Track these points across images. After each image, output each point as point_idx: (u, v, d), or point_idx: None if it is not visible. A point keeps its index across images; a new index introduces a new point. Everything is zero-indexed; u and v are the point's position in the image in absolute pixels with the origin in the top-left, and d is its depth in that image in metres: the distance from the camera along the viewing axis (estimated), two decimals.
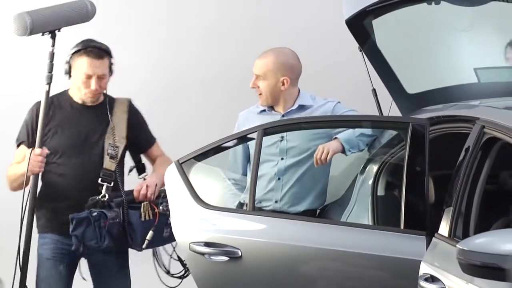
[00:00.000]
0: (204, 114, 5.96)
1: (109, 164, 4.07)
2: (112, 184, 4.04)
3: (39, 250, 4.13)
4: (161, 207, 4.04)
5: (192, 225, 3.58)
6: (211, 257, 3.49)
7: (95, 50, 4.01)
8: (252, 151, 3.84)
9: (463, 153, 3.16)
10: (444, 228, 3.06)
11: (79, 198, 3.98)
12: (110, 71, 4.10)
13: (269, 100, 4.03)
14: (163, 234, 4.06)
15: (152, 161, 4.29)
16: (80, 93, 4.08)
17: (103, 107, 4.11)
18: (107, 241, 3.95)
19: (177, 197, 3.66)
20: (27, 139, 4.10)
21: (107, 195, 3.99)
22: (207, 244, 3.50)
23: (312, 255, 3.37)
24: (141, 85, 5.65)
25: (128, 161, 4.27)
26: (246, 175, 4.00)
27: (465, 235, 2.93)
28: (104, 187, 4.01)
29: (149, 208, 4.03)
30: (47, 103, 3.90)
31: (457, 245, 2.61)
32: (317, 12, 5.64)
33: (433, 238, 3.10)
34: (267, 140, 3.82)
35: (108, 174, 4.06)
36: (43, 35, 3.81)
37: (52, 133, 4.08)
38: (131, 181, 4.20)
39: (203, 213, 3.58)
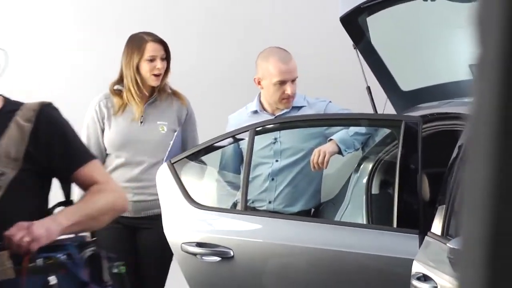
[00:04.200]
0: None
1: None
2: None
3: None
4: (41, 260, 2.43)
5: (184, 226, 3.56)
6: (203, 257, 3.47)
7: None
8: (245, 151, 3.80)
9: (456, 150, 3.12)
10: (437, 226, 3.03)
11: None
12: None
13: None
14: None
15: (85, 188, 2.67)
16: None
17: None
18: None
19: (169, 197, 3.63)
20: None
21: None
22: (199, 245, 3.48)
23: (305, 254, 3.35)
24: None
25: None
26: (239, 175, 3.96)
27: (458, 233, 2.89)
28: None
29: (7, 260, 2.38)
30: None
31: (448, 244, 2.58)
32: (311, 9, 5.59)
33: (426, 237, 3.07)
34: (260, 142, 3.78)
35: None
36: None
37: None
38: None
39: (195, 213, 3.55)
